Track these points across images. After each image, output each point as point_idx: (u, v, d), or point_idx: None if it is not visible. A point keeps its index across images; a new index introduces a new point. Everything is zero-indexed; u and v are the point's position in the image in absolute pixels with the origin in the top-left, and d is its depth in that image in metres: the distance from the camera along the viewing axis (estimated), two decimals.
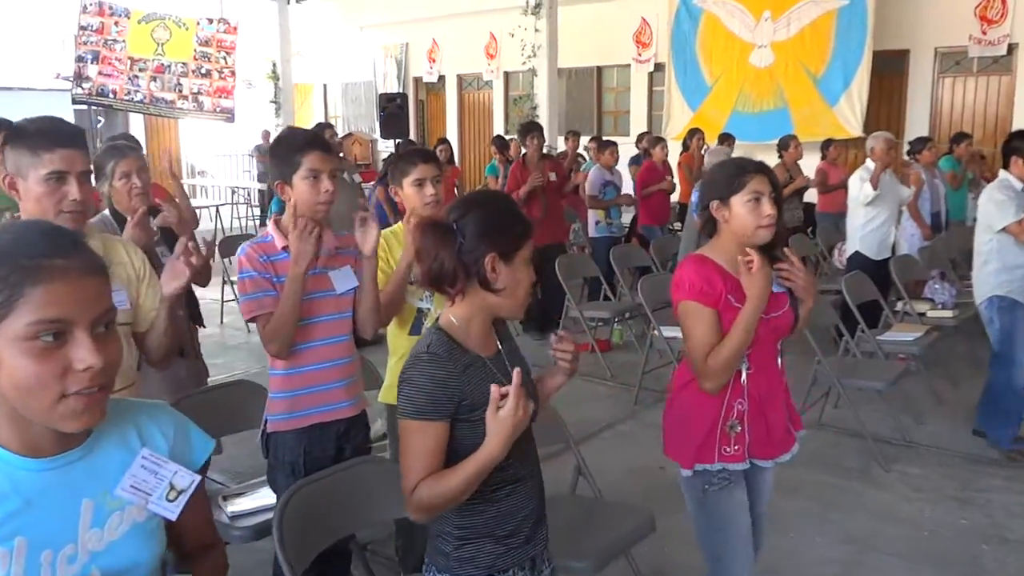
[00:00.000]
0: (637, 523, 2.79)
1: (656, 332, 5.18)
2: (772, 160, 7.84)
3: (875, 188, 5.79)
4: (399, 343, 3.04)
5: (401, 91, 16.53)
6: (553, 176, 6.94)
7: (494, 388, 1.67)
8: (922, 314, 5.71)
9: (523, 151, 7.08)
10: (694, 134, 8.97)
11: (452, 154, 9.02)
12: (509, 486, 1.86)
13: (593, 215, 7.57)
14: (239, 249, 2.48)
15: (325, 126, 6.78)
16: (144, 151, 19.76)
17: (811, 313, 4.80)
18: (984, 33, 10.35)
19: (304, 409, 2.49)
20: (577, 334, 6.41)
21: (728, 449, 2.35)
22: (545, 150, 7.65)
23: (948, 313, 5.66)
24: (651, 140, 8.18)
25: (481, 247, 1.75)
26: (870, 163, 5.97)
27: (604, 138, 9.02)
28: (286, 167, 2.45)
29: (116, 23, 14.66)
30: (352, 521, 2.44)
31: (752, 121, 11.70)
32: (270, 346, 2.43)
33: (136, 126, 19.42)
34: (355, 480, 2.42)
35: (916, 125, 10.91)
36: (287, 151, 2.46)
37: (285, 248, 2.46)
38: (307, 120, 19.91)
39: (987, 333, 4.51)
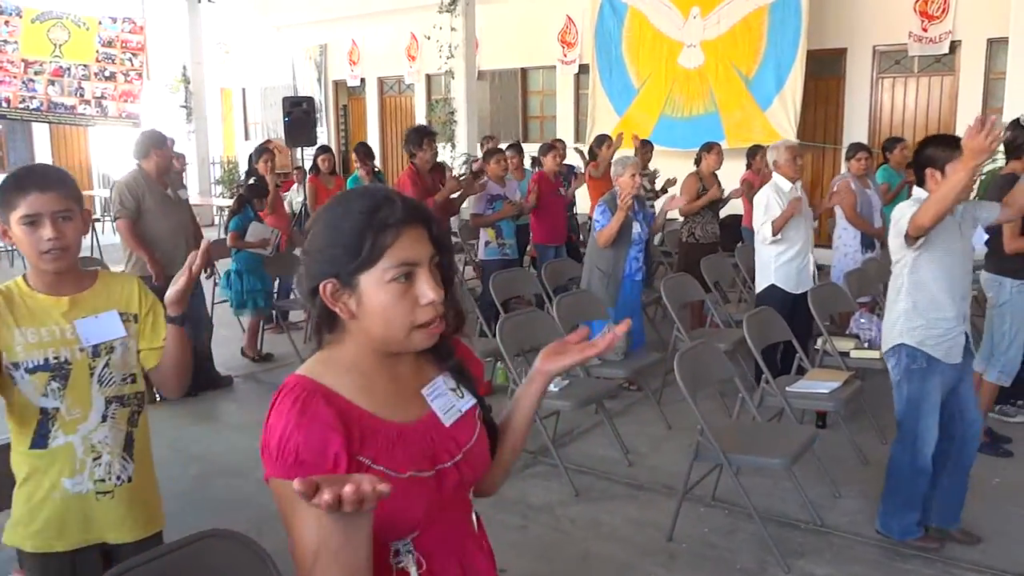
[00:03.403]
0: None
1: (515, 385, 4.21)
2: (689, 168, 6.95)
3: (776, 233, 4.91)
4: (19, 462, 2.04)
5: (316, 95, 15.49)
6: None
7: None
8: (845, 354, 4.82)
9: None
10: (603, 140, 8.00)
11: (335, 164, 8.02)
12: None
13: (483, 235, 6.59)
14: None
15: (161, 136, 5.66)
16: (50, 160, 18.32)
17: (701, 360, 3.93)
18: (925, 30, 9.58)
19: None
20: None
21: None
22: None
23: (875, 353, 4.73)
24: (543, 148, 7.20)
25: None
26: (779, 179, 5.07)
27: (492, 145, 8.02)
28: None
29: (6, 22, 13.50)
30: None
31: (681, 126, 10.84)
32: None
33: (41, 132, 18.11)
34: None
35: (854, 129, 10.12)
36: None
37: None
38: (229, 125, 18.77)
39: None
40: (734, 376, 3.92)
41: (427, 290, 1.30)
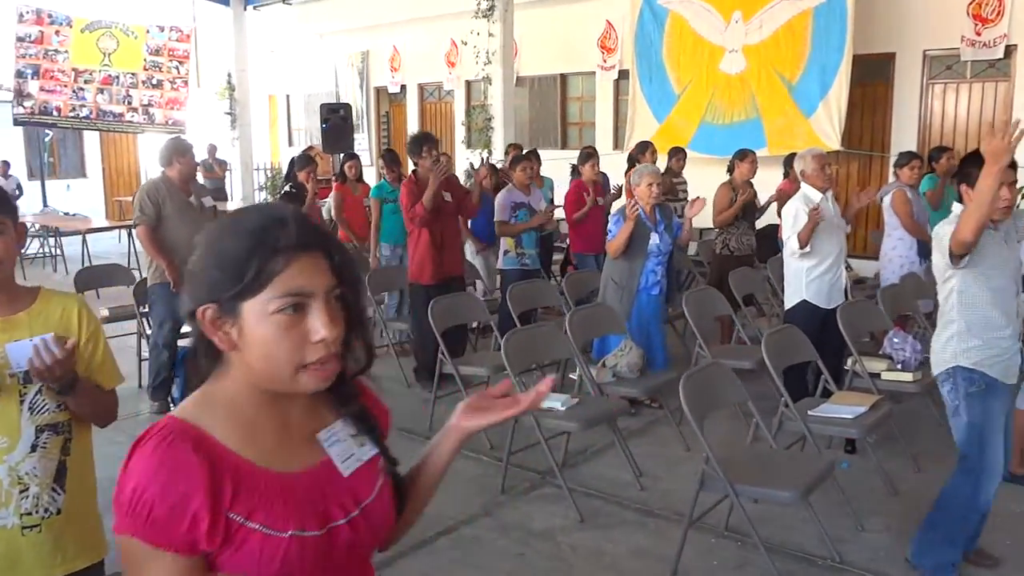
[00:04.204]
0: None
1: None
2: (725, 176, 6.71)
3: (804, 246, 4.65)
4: None
5: (359, 101, 15.53)
6: (448, 197, 5.81)
7: None
8: (876, 375, 4.54)
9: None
10: (645, 147, 7.80)
11: (361, 171, 7.92)
12: None
13: (502, 244, 6.43)
14: None
15: (185, 145, 5.60)
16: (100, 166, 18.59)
17: (712, 382, 3.71)
18: (978, 34, 9.14)
19: None
20: (452, 393, 5.27)
21: None
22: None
23: (908, 376, 4.47)
24: (582, 156, 7.04)
25: None
26: (807, 189, 4.81)
27: (521, 152, 7.84)
28: None
29: (57, 32, 13.75)
30: None
31: (722, 133, 10.51)
32: None
33: (91, 139, 18.46)
34: None
35: (903, 137, 9.69)
36: None
37: None
38: (274, 132, 18.92)
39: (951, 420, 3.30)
40: (747, 400, 3.69)
41: (319, 326, 1.14)
